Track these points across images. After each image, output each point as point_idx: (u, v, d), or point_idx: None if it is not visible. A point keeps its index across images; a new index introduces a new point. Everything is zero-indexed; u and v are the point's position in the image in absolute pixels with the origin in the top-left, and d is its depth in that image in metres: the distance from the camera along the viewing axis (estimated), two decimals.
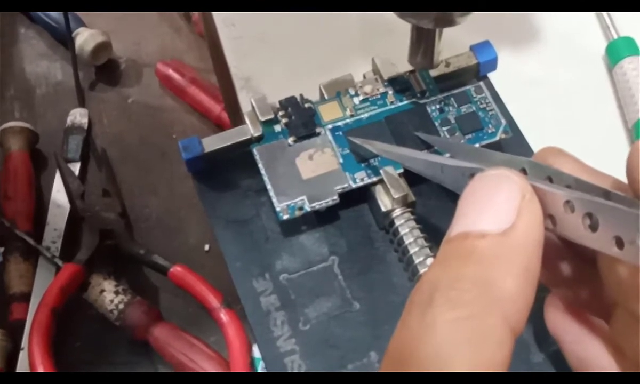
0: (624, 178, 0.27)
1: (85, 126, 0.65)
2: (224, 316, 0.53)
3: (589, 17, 0.56)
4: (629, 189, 0.27)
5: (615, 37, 0.53)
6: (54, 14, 0.70)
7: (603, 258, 0.28)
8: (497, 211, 0.26)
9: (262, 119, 0.41)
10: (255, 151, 0.41)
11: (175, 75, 0.67)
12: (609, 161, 0.30)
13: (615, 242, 0.25)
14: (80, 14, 0.70)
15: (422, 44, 0.41)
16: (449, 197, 0.28)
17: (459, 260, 0.26)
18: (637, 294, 0.26)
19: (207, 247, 0.59)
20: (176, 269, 0.56)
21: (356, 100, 0.43)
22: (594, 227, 0.25)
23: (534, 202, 0.26)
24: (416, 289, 0.26)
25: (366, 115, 0.42)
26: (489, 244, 0.25)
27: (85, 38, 0.68)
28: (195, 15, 0.70)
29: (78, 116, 0.66)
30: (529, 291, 0.25)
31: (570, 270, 0.31)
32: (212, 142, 0.41)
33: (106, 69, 0.70)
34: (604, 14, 0.55)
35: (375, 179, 0.40)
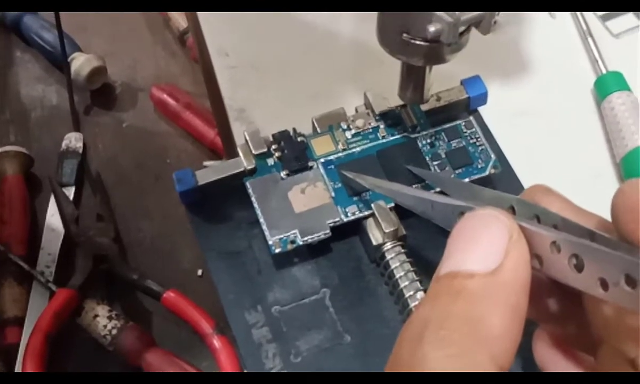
0: (609, 213, 0.27)
1: (80, 150, 0.65)
2: (216, 342, 0.53)
3: (578, 51, 0.56)
4: (614, 230, 0.28)
5: (604, 71, 0.54)
6: (49, 37, 0.71)
7: (589, 297, 0.28)
8: (485, 251, 0.26)
9: (255, 152, 0.42)
10: (248, 184, 0.41)
11: (170, 100, 0.67)
12: (596, 194, 0.31)
13: (600, 283, 0.25)
14: (75, 37, 0.70)
15: (413, 80, 0.41)
16: (440, 231, 0.29)
17: (448, 298, 0.26)
18: (622, 333, 0.26)
19: (200, 272, 0.60)
20: (169, 295, 0.56)
21: (348, 134, 0.43)
22: (579, 268, 0.26)
23: (521, 242, 0.27)
24: (407, 326, 0.26)
25: (358, 149, 0.43)
26: (477, 284, 0.26)
27: (81, 63, 0.68)
28: (190, 40, 0.71)
29: (73, 140, 0.66)
30: (516, 330, 0.26)
31: (557, 306, 0.31)
32: (206, 175, 0.41)
33: (101, 94, 0.70)
34: (593, 48, 0.55)
35: (366, 212, 0.40)
